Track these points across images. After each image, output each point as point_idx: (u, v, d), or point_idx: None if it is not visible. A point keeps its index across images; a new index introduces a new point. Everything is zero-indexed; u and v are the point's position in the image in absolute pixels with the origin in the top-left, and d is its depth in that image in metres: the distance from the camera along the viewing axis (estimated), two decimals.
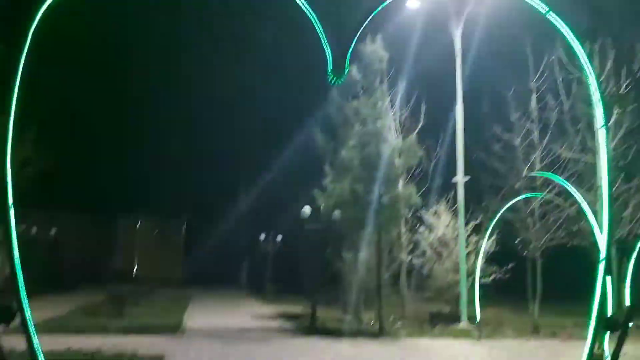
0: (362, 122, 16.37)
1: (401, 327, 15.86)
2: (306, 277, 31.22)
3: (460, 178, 17.59)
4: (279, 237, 29.97)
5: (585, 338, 14.77)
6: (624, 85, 17.98)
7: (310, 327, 15.25)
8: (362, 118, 16.33)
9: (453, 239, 18.34)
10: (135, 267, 42.33)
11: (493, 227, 15.47)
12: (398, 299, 19.59)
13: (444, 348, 12.77)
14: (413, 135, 16.07)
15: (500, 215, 15.08)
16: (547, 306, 17.54)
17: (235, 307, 24.13)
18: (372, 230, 16.06)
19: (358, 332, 14.73)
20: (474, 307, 16.68)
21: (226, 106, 47.03)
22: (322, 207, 17.23)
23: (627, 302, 12.75)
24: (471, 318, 16.70)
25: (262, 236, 30.23)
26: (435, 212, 18.89)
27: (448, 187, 18.81)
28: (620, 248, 17.99)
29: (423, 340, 13.90)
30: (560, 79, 18.64)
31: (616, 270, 17.98)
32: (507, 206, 14.89)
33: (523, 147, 17.68)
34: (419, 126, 18.83)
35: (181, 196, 45.89)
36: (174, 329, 14.32)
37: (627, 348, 11.91)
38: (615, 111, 18.30)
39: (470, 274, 17.15)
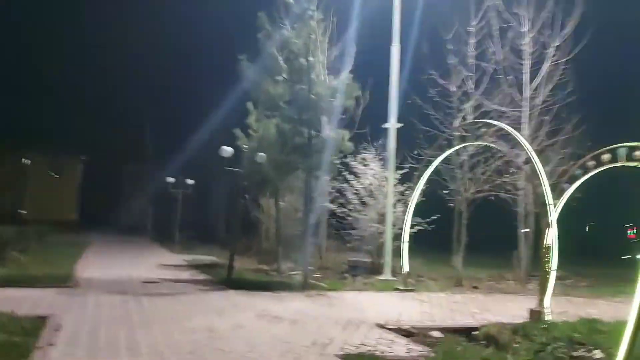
0: (293, 55, 14.66)
1: (322, 279, 14.94)
2: (220, 225, 29.73)
3: (392, 124, 16.61)
4: (191, 181, 27.80)
5: (502, 291, 14.32)
6: (561, 36, 17.67)
7: (228, 280, 13.85)
8: (293, 50, 14.61)
9: (380, 188, 17.53)
10: (24, 208, 38.03)
11: (417, 179, 14.76)
12: (316, 248, 18.67)
13: (374, 302, 11.95)
14: (348, 74, 14.63)
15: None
16: (469, 259, 17.44)
17: (139, 256, 22.09)
18: (299, 176, 14.76)
19: (280, 285, 13.58)
20: (396, 258, 16.20)
21: (134, 30, 42.62)
22: (244, 149, 15.56)
23: None
24: (393, 270, 16.21)
25: (171, 180, 27.89)
26: (363, 159, 17.92)
27: (378, 133, 17.83)
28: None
29: (349, 294, 13.02)
30: (497, 27, 18.04)
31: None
32: (444, 155, 14.15)
33: (458, 96, 17.00)
34: (351, 65, 17.44)
35: (79, 132, 41.70)
36: (65, 280, 12.30)
37: (567, 306, 11.97)
38: (546, 65, 18.06)
39: (394, 224, 16.52)
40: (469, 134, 15.84)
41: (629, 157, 12.93)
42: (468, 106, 16.72)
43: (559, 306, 10.98)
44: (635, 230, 34.13)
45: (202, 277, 15.35)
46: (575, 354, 7.78)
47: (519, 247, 18.22)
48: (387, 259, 16.15)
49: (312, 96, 14.17)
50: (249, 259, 19.87)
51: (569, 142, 17.48)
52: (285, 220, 17.64)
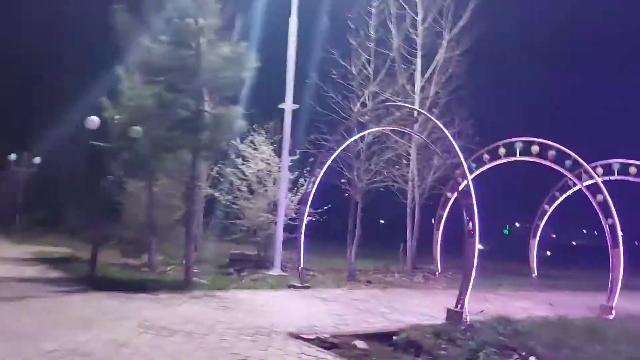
0: (179, 13, 12.45)
1: (200, 274, 12.97)
2: (72, 210, 25.65)
3: (288, 104, 15.14)
4: (37, 159, 23.63)
5: (393, 285, 13.50)
6: (455, 28, 17.57)
7: (90, 278, 11.34)
8: (180, 7, 12.40)
9: (270, 174, 15.99)
10: None
11: (315, 166, 13.61)
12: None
13: (274, 303, 10.47)
14: (243, 43, 12.83)
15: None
16: (361, 251, 16.73)
17: None
18: (182, 156, 12.63)
19: (157, 284, 11.43)
20: (284, 252, 14.91)
21: None
22: (114, 121, 12.97)
23: None
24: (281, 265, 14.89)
25: (13, 156, 23.46)
26: (252, 143, 16.21)
27: (269, 114, 16.24)
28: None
29: (242, 294, 11.35)
30: (395, 12, 17.46)
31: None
32: (347, 142, 13.06)
33: (358, 81, 16.10)
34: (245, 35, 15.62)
35: None
36: None
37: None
38: (440, 56, 17.91)
39: (285, 214, 15.16)
40: (369, 121, 14.98)
41: (524, 152, 12.70)
42: (367, 92, 15.88)
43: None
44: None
45: (55, 274, 12.51)
46: None
47: (407, 239, 17.99)
48: (278, 252, 14.71)
49: (201, 64, 12.14)
50: (109, 250, 17.04)
51: (458, 136, 17.52)
52: (158, 207, 15.29)
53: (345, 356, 6.94)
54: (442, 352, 7.62)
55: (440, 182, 17.58)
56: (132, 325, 7.48)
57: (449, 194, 16.97)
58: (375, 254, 19.44)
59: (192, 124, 12.11)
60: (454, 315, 8.88)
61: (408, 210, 17.96)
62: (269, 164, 15.80)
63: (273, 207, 15.34)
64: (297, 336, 7.53)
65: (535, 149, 12.83)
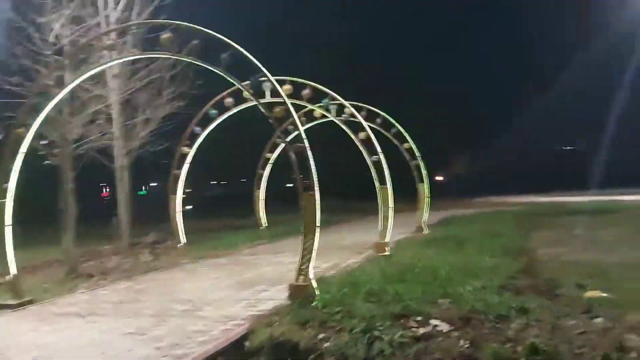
0: None
1: None
2: None
3: None
4: None
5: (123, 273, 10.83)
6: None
7: None
8: None
9: None
10: None
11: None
12: None
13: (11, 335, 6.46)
14: None
15: None
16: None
17: None
18: None
19: None
20: None
21: None
22: None
23: None
24: None
25: None
26: None
27: None
28: None
29: None
30: None
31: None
32: (62, 94, 9.00)
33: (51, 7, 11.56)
34: None
35: None
36: None
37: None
38: None
39: None
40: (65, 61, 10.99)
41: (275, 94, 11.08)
42: (59, 24, 11.58)
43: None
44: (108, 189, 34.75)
45: None
46: (412, 331, 5.92)
47: (120, 213, 14.66)
48: None
49: None
50: None
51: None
52: None
53: None
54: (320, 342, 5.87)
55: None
56: None
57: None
58: (92, 233, 15.43)
59: None
60: (300, 291, 7.09)
61: (117, 175, 14.59)
62: None
63: None
64: None
65: (287, 88, 11.59)
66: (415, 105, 37.18)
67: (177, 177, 13.82)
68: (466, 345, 5.21)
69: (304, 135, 7.50)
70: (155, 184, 45.86)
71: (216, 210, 29.02)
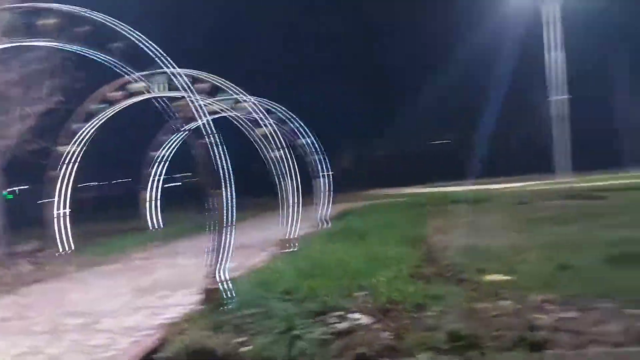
0: None
1: None
2: None
3: None
4: None
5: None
6: None
7: None
8: None
9: None
10: None
11: None
12: None
13: None
14: None
15: None
16: None
17: None
18: None
19: None
20: None
21: None
22: None
23: None
24: None
25: None
26: None
27: None
28: None
29: None
30: None
31: None
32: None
33: None
34: None
35: None
36: None
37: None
38: None
39: None
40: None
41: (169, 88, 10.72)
42: None
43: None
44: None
45: None
46: (333, 327, 5.87)
47: None
48: None
49: None
50: None
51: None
52: None
53: None
54: (241, 347, 5.60)
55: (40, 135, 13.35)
56: None
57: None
58: None
59: None
60: (211, 295, 6.73)
61: None
62: None
63: None
64: None
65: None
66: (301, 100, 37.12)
67: (54, 179, 12.59)
68: (390, 337, 5.26)
69: (209, 130, 7.10)
70: (26, 187, 41.57)
71: (101, 212, 27.06)
